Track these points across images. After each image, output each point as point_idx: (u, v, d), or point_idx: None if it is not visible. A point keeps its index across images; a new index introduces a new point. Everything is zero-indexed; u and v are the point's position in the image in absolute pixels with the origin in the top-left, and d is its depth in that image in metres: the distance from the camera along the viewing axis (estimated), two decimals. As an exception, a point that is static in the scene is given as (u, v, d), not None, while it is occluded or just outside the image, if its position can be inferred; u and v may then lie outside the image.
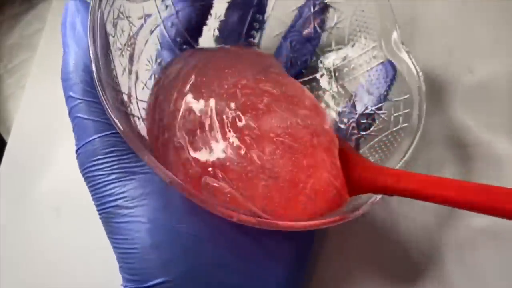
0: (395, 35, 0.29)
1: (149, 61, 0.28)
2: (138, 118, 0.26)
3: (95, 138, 0.24)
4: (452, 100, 0.34)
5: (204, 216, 0.24)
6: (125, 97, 0.25)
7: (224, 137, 0.25)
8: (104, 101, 0.21)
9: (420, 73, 0.27)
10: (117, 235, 0.24)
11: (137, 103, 0.26)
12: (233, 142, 0.25)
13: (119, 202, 0.23)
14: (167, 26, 0.29)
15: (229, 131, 0.25)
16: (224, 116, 0.26)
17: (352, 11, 0.30)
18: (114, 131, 0.24)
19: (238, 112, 0.26)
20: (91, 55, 0.21)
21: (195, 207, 0.24)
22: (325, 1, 0.30)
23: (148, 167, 0.24)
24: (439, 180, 0.21)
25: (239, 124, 0.26)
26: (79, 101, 0.24)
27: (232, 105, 0.26)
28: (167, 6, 0.28)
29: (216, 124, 0.25)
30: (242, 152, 0.25)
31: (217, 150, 0.25)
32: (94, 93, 0.24)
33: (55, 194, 0.33)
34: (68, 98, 0.24)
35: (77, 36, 0.24)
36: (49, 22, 0.40)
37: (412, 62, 0.28)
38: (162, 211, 0.24)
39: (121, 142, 0.24)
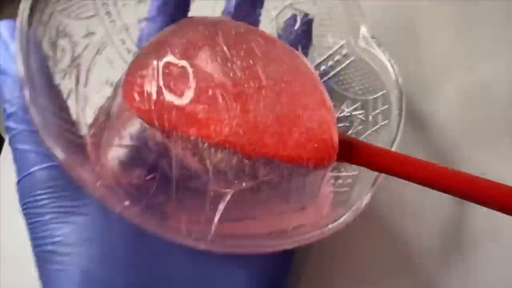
0: (363, 29, 0.27)
1: (100, 83, 0.26)
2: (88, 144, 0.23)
3: (34, 171, 0.21)
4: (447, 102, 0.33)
5: (148, 267, 0.21)
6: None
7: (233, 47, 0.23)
8: (39, 126, 0.18)
9: (395, 66, 0.26)
10: (47, 283, 0.21)
11: (87, 129, 0.24)
12: (240, 50, 0.23)
13: (52, 247, 0.21)
14: (118, 45, 0.27)
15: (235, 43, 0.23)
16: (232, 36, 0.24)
17: (316, 10, 0.28)
18: (53, 163, 0.21)
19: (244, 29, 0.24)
20: (21, 78, 0.19)
21: (138, 258, 0.21)
22: (285, 4, 0.29)
23: (89, 208, 0.21)
24: (412, 160, 0.22)
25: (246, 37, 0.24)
26: (16, 130, 0.21)
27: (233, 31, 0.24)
28: (114, 23, 0.26)
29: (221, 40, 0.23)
30: (251, 62, 0.22)
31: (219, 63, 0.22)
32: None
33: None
34: (6, 128, 0.22)
35: (11, 58, 0.22)
36: None
37: (385, 55, 0.26)
38: (99, 261, 0.21)
39: (61, 175, 0.21)
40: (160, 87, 0.21)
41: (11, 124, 0.21)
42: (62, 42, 0.23)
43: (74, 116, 0.23)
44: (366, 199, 0.22)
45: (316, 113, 0.23)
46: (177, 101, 0.21)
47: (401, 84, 0.25)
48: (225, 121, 0.21)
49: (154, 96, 0.21)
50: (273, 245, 0.21)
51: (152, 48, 0.23)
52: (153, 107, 0.21)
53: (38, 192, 0.21)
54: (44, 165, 0.21)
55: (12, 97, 0.21)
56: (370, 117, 0.26)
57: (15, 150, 0.22)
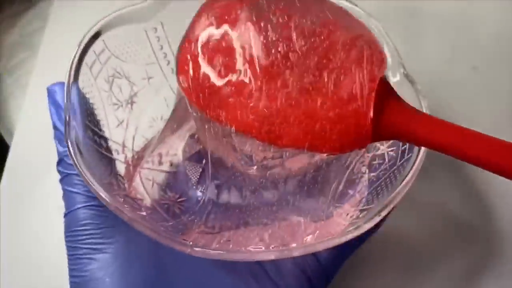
0: (397, 65, 0.26)
1: (154, 119, 0.30)
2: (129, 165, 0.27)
3: (76, 209, 0.25)
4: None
5: None
6: (118, 147, 0.27)
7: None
8: (84, 177, 0.21)
9: (424, 101, 0.25)
10: None
11: (132, 151, 0.27)
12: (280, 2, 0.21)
13: (80, 280, 0.24)
14: (175, 88, 0.31)
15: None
16: None
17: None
18: (93, 203, 0.25)
19: None
20: (68, 136, 0.23)
21: None
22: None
23: (115, 246, 0.24)
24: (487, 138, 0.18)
25: None
26: (64, 174, 0.25)
27: None
28: (173, 70, 0.30)
29: None
30: (285, 18, 0.20)
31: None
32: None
33: (60, 192, 0.31)
34: (57, 171, 0.26)
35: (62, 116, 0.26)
36: (51, 21, 0.40)
37: (419, 93, 0.25)
38: None
39: (97, 215, 0.24)
40: (197, 62, 0.21)
41: (60, 168, 0.26)
42: (119, 81, 0.28)
43: (120, 140, 0.27)
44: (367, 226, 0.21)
45: (348, 77, 0.19)
46: (213, 78, 0.21)
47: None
48: (251, 105, 0.20)
49: (191, 72, 0.21)
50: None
51: (195, 17, 0.23)
52: (191, 84, 0.21)
53: (76, 228, 0.24)
54: (83, 205, 0.24)
55: (61, 148, 0.26)
56: (399, 152, 0.25)
57: (63, 190, 0.26)
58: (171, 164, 0.28)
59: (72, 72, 0.24)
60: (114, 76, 0.27)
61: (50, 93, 0.27)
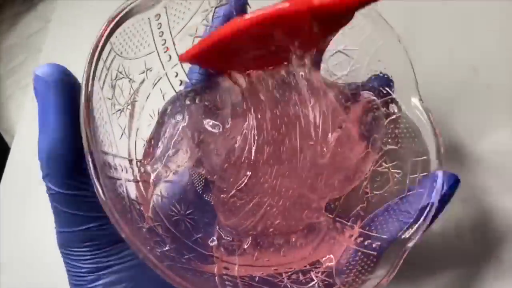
0: (415, 98, 0.27)
1: (151, 116, 0.27)
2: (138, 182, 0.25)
3: (71, 232, 0.22)
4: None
5: None
6: (126, 163, 0.24)
7: None
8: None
9: (439, 134, 0.26)
10: None
11: (137, 164, 0.25)
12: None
13: None
14: (171, 77, 0.27)
15: None
16: None
17: (367, 59, 0.28)
18: (94, 225, 0.22)
19: None
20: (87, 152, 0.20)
21: None
22: (338, 48, 0.29)
23: (122, 263, 0.23)
24: None
25: None
26: (53, 191, 0.22)
27: None
28: (170, 57, 0.27)
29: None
30: None
31: None
32: (72, 184, 0.22)
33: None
34: (45, 184, 0.22)
35: (48, 121, 0.21)
36: (53, 22, 0.37)
37: (431, 121, 0.26)
38: None
39: (100, 235, 0.23)
40: None
41: (48, 184, 0.22)
42: (121, 82, 0.24)
43: (126, 154, 0.24)
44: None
45: None
46: None
47: (442, 155, 0.25)
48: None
49: None
50: None
51: None
52: None
53: (78, 249, 0.22)
54: (80, 228, 0.22)
55: (48, 159, 0.22)
56: (408, 180, 0.26)
57: (53, 207, 0.23)
58: (175, 173, 0.27)
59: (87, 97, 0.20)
60: (117, 78, 0.23)
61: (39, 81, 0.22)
